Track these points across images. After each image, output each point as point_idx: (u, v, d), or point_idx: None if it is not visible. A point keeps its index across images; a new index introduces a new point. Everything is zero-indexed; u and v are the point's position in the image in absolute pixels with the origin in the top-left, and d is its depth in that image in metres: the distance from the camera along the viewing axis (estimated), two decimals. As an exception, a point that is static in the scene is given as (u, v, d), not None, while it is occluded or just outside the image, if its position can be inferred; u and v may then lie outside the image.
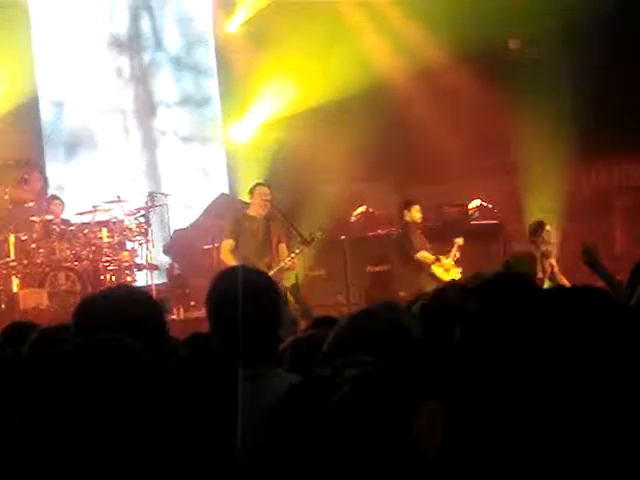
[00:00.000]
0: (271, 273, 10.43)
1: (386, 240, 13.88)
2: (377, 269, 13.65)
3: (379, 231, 14.20)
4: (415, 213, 12.63)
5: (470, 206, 14.41)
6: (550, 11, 15.21)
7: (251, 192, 11.55)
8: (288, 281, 10.48)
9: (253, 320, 3.27)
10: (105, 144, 14.87)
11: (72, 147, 14.67)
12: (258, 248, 11.19)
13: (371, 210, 14.56)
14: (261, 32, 15.33)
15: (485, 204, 14.42)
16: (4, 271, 11.86)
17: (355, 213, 14.65)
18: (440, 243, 13.20)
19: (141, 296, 3.30)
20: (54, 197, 12.73)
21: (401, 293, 12.70)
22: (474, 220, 14.29)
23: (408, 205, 12.70)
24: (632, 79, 14.26)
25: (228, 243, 11.28)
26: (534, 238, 11.82)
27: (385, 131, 14.77)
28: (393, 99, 15.00)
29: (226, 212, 12.87)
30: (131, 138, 15.12)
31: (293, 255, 11.02)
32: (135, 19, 15.22)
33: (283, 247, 11.26)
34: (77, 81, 14.48)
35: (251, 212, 11.44)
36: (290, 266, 11.08)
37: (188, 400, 3.01)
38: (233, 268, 3.76)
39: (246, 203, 11.91)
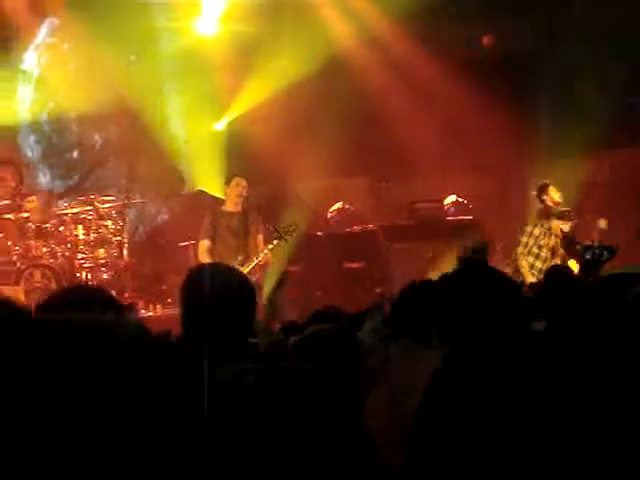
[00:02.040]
0: (247, 270, 10.41)
1: (362, 236, 13.91)
2: (354, 266, 13.66)
3: (355, 227, 14.23)
4: (554, 194, 11.97)
5: (445, 202, 14.44)
6: (523, 7, 15.28)
7: (227, 183, 11.49)
8: (269, 278, 10.45)
9: (222, 318, 3.28)
10: (83, 140, 14.83)
11: (48, 145, 14.61)
12: (234, 245, 11.14)
13: (347, 206, 14.58)
14: (235, 31, 15.28)
15: (461, 200, 14.45)
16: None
17: (331, 209, 14.67)
18: (415, 240, 13.25)
19: (99, 293, 3.32)
20: (29, 194, 12.67)
21: (377, 290, 12.75)
22: (450, 216, 14.32)
23: (545, 188, 12.08)
24: (608, 75, 14.32)
25: (204, 244, 11.25)
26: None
27: (360, 128, 14.76)
28: (367, 97, 14.99)
29: (203, 209, 12.85)
30: (107, 135, 15.05)
31: (266, 251, 10.98)
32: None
33: (260, 239, 11.22)
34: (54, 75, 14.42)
35: (227, 207, 11.39)
36: (265, 261, 11.04)
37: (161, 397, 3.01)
38: (203, 266, 3.76)
39: (222, 200, 11.86)
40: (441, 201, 14.40)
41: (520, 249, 11.55)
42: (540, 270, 11.52)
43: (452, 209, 14.37)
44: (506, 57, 15.36)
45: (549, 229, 11.76)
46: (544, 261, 11.69)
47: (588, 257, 4.83)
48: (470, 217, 14.25)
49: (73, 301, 3.13)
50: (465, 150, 14.90)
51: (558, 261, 11.56)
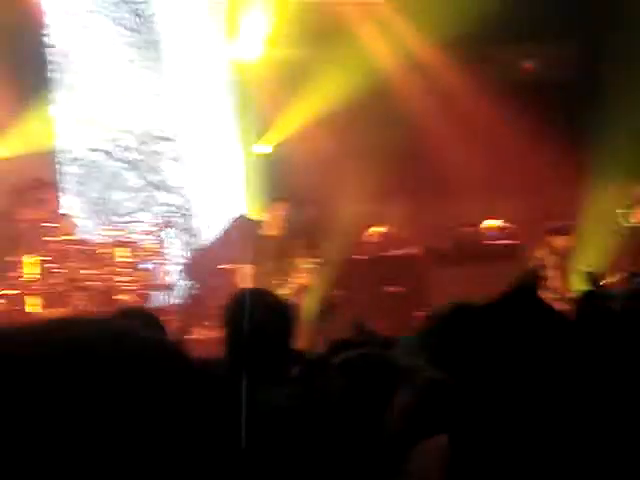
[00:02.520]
0: (287, 293, 10.38)
1: (402, 260, 13.88)
2: (393, 289, 13.61)
3: (396, 251, 14.19)
4: None
5: (487, 226, 14.36)
6: (566, 31, 15.23)
7: (268, 207, 11.53)
8: (310, 301, 10.44)
9: (262, 342, 3.25)
10: (121, 163, 14.89)
11: (87, 166, 14.66)
12: (275, 268, 11.14)
13: (388, 230, 14.54)
14: (279, 55, 15.34)
15: (503, 224, 14.35)
16: (18, 291, 11.83)
17: (372, 233, 14.63)
18: (456, 264, 13.16)
19: (149, 318, 3.30)
20: (66, 215, 12.73)
21: (417, 314, 12.67)
22: (491, 240, 14.23)
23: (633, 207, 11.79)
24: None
25: (244, 267, 11.26)
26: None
27: (403, 152, 14.73)
28: (411, 121, 14.99)
29: (244, 234, 12.86)
30: (148, 159, 15.11)
31: (305, 273, 10.96)
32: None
33: (301, 262, 11.18)
34: (93, 102, 14.50)
35: (267, 231, 11.40)
36: (305, 284, 11.02)
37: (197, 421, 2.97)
38: (243, 290, 3.73)
39: (263, 223, 11.87)
40: (483, 225, 14.32)
41: None
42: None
43: (494, 233, 14.28)
44: (549, 81, 15.31)
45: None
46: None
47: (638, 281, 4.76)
48: (512, 241, 14.16)
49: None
50: (508, 175, 14.82)
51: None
